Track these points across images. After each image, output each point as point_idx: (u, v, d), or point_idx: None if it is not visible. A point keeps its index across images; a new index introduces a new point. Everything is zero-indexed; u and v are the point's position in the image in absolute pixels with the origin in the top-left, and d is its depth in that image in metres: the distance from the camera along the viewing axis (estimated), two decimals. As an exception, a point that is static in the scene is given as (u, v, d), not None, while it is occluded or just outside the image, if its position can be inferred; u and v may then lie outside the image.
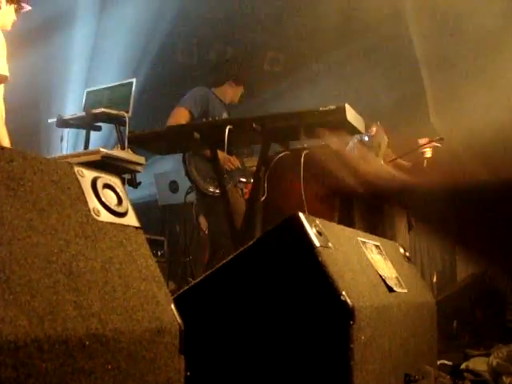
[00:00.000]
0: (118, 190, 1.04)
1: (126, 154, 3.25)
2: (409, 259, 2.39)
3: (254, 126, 2.82)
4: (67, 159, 3.20)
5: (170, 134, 3.05)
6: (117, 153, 3.22)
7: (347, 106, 2.73)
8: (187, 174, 3.54)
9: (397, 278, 2.03)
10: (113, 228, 1.00)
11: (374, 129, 3.82)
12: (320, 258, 1.53)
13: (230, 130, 2.87)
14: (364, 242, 1.96)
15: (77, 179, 1.00)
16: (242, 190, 3.84)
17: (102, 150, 3.10)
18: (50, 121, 3.50)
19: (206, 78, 4.62)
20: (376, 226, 3.52)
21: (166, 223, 5.71)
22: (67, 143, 3.58)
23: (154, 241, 5.52)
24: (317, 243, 1.56)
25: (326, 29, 6.33)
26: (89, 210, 0.97)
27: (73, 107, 5.63)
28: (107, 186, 1.03)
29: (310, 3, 6.28)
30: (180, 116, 3.68)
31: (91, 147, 3.73)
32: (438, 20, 5.73)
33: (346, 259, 1.68)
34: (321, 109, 2.76)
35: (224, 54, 6.97)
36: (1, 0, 3.15)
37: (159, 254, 5.40)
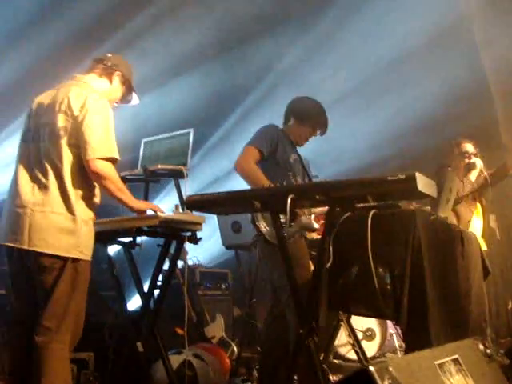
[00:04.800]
0: None
1: (185, 216, 3.17)
2: (490, 356, 2.19)
3: (317, 197, 2.66)
4: (124, 223, 3.13)
5: (229, 201, 2.92)
6: (175, 216, 3.13)
7: (418, 175, 2.53)
8: (253, 222, 3.35)
9: (479, 398, 1.85)
10: None
11: None
12: (395, 425, 1.38)
13: (292, 199, 2.72)
14: (442, 365, 1.78)
15: None
16: (305, 237, 3.66)
17: (160, 214, 3.01)
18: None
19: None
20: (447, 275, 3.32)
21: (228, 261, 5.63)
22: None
23: (219, 273, 5.50)
24: (391, 405, 1.40)
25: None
26: None
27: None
28: None
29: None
30: (250, 156, 3.49)
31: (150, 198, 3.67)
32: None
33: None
34: (389, 178, 2.57)
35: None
36: (115, 75, 3.05)
37: (223, 286, 5.37)
